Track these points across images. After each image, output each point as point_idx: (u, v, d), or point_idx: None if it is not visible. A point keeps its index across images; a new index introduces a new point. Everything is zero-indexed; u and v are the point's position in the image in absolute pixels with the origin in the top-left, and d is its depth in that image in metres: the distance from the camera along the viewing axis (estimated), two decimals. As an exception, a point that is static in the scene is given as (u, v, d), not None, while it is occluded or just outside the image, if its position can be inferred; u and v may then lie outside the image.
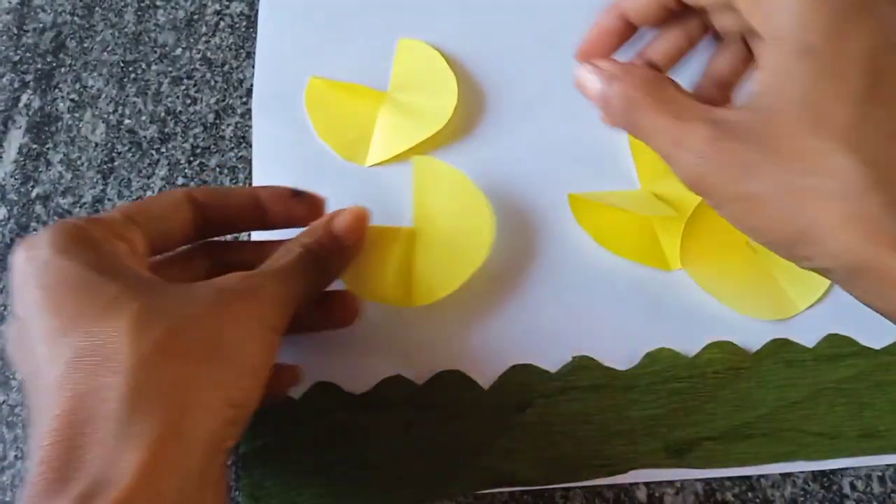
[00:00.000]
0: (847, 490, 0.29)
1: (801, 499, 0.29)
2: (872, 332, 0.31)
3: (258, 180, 0.35)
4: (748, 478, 0.30)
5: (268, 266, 0.26)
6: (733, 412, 0.30)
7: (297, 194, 0.29)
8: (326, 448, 0.30)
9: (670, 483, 0.30)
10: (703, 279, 0.31)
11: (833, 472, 0.30)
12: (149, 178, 0.36)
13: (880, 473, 0.30)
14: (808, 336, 0.31)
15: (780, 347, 0.31)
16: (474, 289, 0.31)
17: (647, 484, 0.30)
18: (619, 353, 0.31)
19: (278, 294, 0.25)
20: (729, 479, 0.30)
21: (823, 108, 0.21)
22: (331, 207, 0.30)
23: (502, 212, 0.33)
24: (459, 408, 0.30)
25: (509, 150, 0.35)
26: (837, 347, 0.31)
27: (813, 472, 0.30)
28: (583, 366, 0.31)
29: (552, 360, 0.31)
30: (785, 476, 0.30)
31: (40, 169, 0.36)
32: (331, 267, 0.28)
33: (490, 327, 0.32)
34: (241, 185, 0.35)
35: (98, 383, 0.21)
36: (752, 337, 0.31)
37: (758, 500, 0.29)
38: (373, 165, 0.35)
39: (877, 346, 0.31)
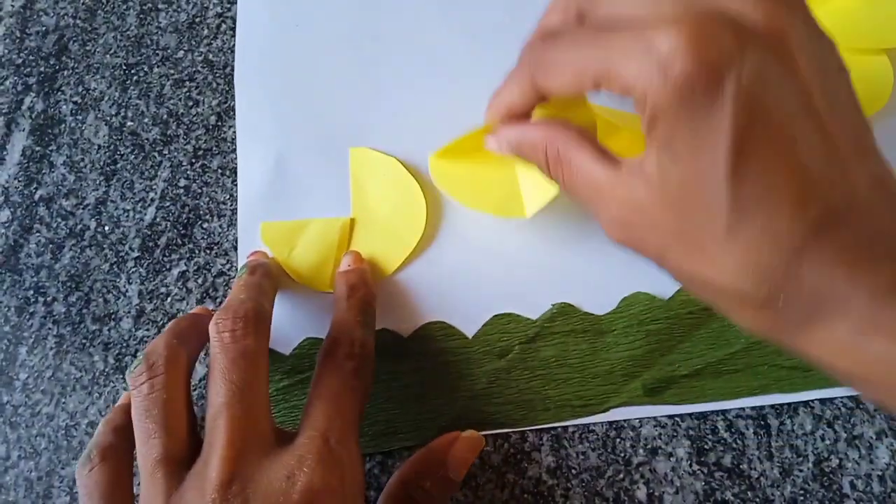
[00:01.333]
0: (847, 489, 0.29)
1: (801, 498, 0.29)
2: None
3: (242, 147, 0.36)
4: (748, 476, 0.30)
5: None
6: (708, 350, 0.31)
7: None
8: None
9: (670, 482, 0.30)
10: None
11: (833, 470, 0.30)
12: (151, 179, 0.36)
13: (880, 473, 0.30)
14: None
15: None
16: (456, 243, 0.33)
17: (646, 483, 0.30)
18: (597, 299, 0.32)
19: None
20: (729, 478, 0.30)
21: (695, 215, 0.21)
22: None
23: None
24: (444, 356, 0.32)
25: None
26: None
27: (813, 472, 0.30)
28: (562, 312, 0.32)
29: (533, 309, 0.32)
30: (785, 475, 0.30)
31: (43, 171, 0.36)
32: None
33: (472, 281, 0.33)
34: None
35: None
36: None
37: (758, 499, 0.29)
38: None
39: None
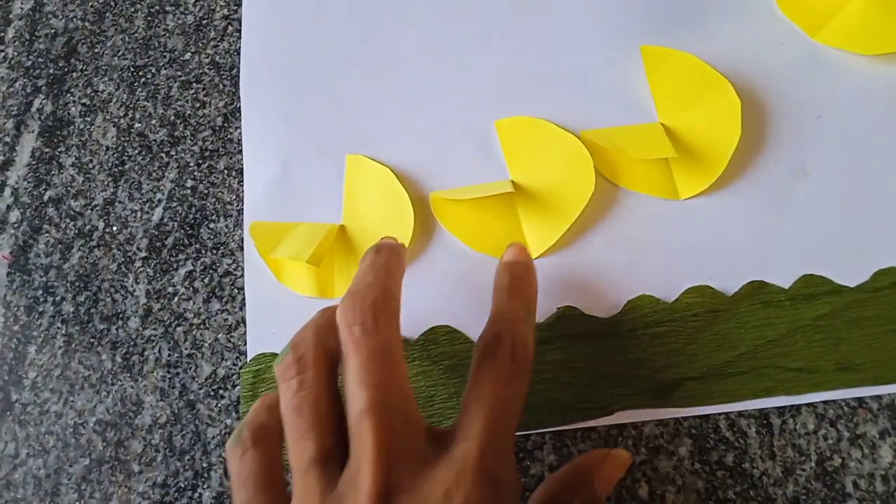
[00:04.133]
0: (850, 489, 0.29)
1: (804, 497, 0.29)
2: (847, 271, 0.31)
3: (247, 151, 0.36)
4: (750, 475, 0.30)
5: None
6: (713, 352, 0.31)
7: None
8: None
9: (672, 481, 0.30)
10: None
11: (836, 470, 0.30)
12: (159, 180, 0.36)
13: (883, 472, 0.30)
14: (783, 277, 0.32)
15: (756, 289, 0.31)
16: (460, 248, 0.33)
17: (648, 481, 0.30)
18: (602, 303, 0.32)
19: None
20: (731, 476, 0.30)
21: None
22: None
23: (493, 153, 0.34)
24: (450, 360, 0.32)
25: (529, 86, 0.36)
26: (813, 287, 0.31)
27: (815, 471, 0.30)
28: (567, 315, 0.32)
29: (538, 313, 0.32)
30: (787, 474, 0.30)
31: (52, 172, 0.37)
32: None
33: (479, 284, 0.33)
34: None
35: None
36: (729, 281, 0.32)
37: (759, 499, 0.29)
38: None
39: (851, 284, 0.31)
